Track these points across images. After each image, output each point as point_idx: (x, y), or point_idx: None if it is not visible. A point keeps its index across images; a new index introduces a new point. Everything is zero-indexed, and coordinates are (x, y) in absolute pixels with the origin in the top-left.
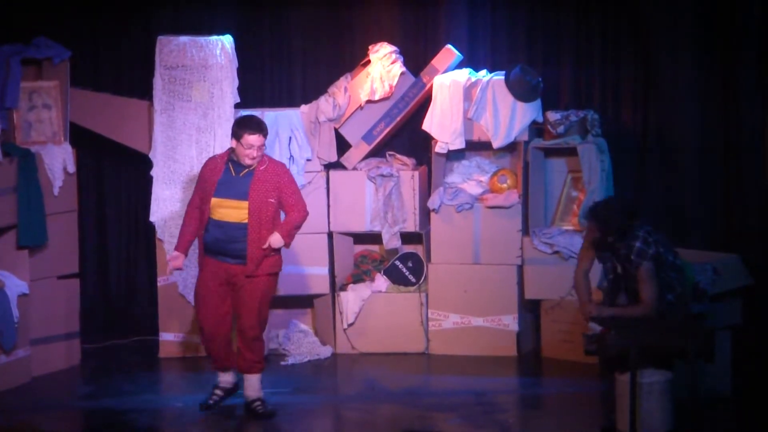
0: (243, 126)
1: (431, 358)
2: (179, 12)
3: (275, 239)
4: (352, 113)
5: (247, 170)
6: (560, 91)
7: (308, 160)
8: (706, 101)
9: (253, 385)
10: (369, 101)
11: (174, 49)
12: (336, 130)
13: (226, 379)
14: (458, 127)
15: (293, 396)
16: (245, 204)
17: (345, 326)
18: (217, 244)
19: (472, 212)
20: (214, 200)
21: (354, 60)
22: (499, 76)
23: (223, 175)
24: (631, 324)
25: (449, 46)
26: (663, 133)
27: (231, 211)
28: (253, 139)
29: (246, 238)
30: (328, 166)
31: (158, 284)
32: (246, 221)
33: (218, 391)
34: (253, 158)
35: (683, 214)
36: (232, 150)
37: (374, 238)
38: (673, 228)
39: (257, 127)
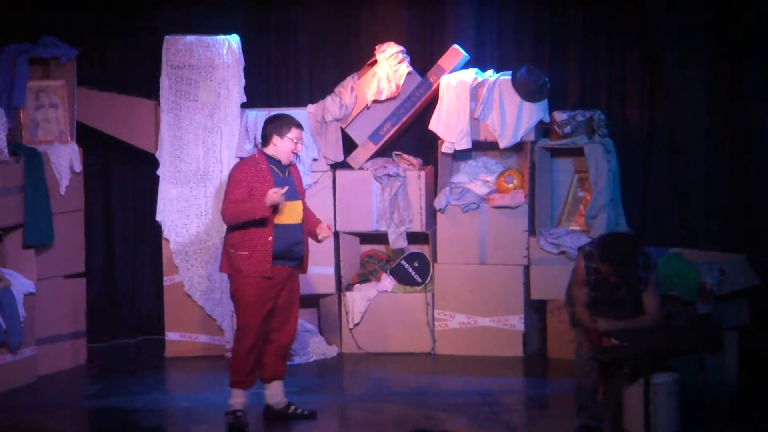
0: (286, 122)
1: (437, 358)
2: (186, 11)
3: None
4: (358, 113)
5: (287, 169)
6: (567, 91)
7: (315, 159)
8: (712, 101)
9: (282, 389)
10: (375, 101)
11: (181, 49)
12: (342, 130)
13: (244, 400)
14: (465, 127)
15: (299, 395)
16: (299, 203)
17: (351, 326)
18: (286, 249)
19: (479, 212)
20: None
21: (361, 60)
22: (505, 76)
23: (275, 178)
24: (642, 333)
25: (456, 46)
26: (670, 133)
27: (291, 212)
28: (299, 132)
29: (303, 238)
30: (335, 166)
31: (164, 284)
32: (301, 221)
33: (240, 413)
34: (298, 152)
35: (690, 214)
36: (264, 150)
37: (380, 237)
38: (679, 228)
39: (297, 120)
